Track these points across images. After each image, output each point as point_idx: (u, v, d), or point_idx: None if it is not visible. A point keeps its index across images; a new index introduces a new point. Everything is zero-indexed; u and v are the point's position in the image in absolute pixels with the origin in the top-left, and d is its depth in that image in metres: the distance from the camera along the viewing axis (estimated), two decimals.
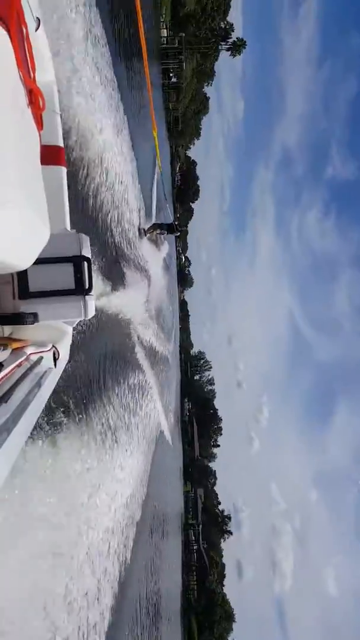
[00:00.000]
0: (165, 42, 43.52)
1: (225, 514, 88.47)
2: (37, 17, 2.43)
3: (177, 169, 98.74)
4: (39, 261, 2.28)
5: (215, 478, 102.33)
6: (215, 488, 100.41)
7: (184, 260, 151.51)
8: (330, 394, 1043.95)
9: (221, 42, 57.13)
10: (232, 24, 56.74)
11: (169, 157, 65.36)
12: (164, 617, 24.90)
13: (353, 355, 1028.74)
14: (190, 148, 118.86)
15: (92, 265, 3.34)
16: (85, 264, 3.16)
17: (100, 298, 9.52)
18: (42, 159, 2.28)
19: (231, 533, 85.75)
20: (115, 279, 11.29)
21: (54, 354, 3.13)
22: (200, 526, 63.78)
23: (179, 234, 21.08)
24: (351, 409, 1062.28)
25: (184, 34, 44.71)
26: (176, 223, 20.03)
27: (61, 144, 3.55)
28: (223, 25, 56.63)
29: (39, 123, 2.28)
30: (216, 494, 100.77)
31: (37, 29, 2.47)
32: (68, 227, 3.57)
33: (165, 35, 43.24)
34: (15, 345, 2.56)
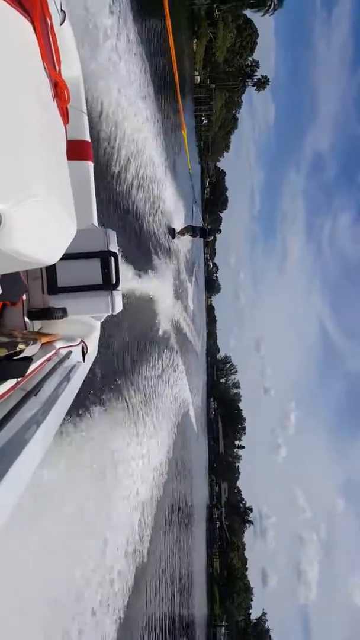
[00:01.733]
0: (198, 85, 51.97)
1: (247, 505, 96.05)
2: (62, 11, 2.46)
3: (207, 183, 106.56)
4: (67, 256, 2.28)
5: (239, 473, 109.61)
6: (238, 484, 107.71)
7: (211, 266, 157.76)
8: None
9: (247, 80, 65.52)
10: (258, 62, 65.10)
11: (199, 175, 73.07)
12: (192, 583, 27.91)
13: None
14: (219, 160, 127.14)
15: (121, 259, 3.53)
16: (112, 259, 3.29)
17: (131, 286, 10.42)
18: (68, 154, 2.30)
19: (252, 523, 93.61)
20: (145, 268, 12.10)
21: (82, 348, 3.19)
22: (223, 508, 71.77)
23: (210, 239, 22.29)
24: None
25: (214, 86, 53.00)
26: (209, 227, 20.38)
27: (88, 139, 3.64)
28: (250, 63, 65.00)
29: (65, 117, 2.29)
30: (239, 490, 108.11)
31: (62, 22, 2.51)
32: (95, 222, 3.69)
33: (198, 81, 51.64)
34: (44, 339, 2.60)
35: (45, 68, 1.69)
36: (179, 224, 19.80)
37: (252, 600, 74.31)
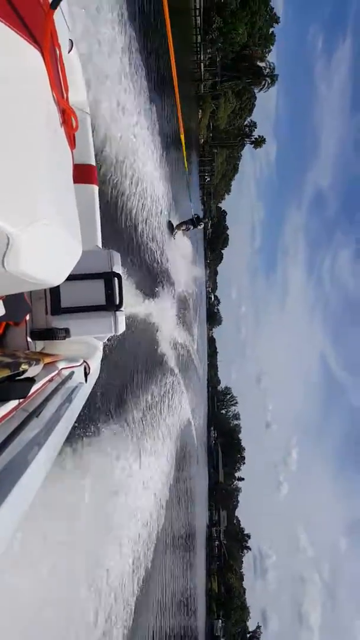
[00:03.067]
0: (202, 145, 60.31)
1: (245, 532, 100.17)
2: (70, 40, 2.57)
3: (209, 225, 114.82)
4: (71, 277, 2.33)
5: (238, 502, 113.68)
6: (237, 513, 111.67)
7: (213, 299, 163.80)
8: None
9: (246, 139, 74.43)
10: (255, 122, 74.23)
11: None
12: (190, 600, 30.19)
13: None
14: (221, 202, 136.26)
15: (123, 280, 3.56)
16: (116, 280, 3.38)
17: (134, 307, 10.76)
18: (74, 178, 2.38)
19: (249, 549, 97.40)
20: (147, 291, 12.45)
21: (85, 368, 3.25)
22: (221, 527, 76.54)
23: (202, 225, 26.34)
24: None
25: (216, 151, 61.67)
26: (196, 216, 21.53)
27: (93, 163, 3.79)
28: (248, 123, 74.10)
29: (72, 142, 2.38)
30: (238, 519, 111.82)
31: (70, 50, 2.63)
32: (99, 244, 3.84)
33: (202, 142, 60.04)
34: (47, 360, 2.66)
35: (53, 96, 1.77)
36: (175, 221, 20.78)
37: (249, 619, 78.79)
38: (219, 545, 73.62)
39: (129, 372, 11.08)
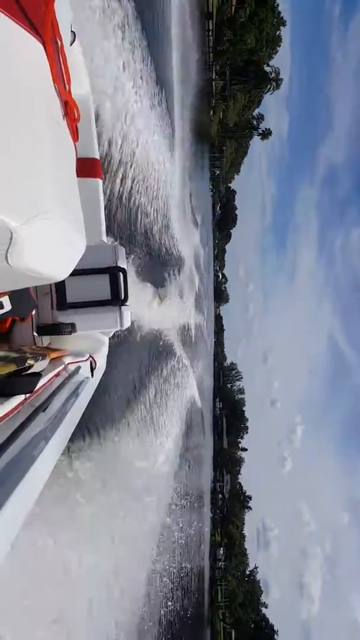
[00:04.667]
0: (212, 140, 67.66)
1: (247, 494, 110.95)
2: (72, 32, 2.57)
3: (218, 207, 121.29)
4: (76, 272, 2.36)
5: (240, 467, 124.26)
6: (239, 480, 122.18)
7: (221, 277, 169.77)
8: None
9: (253, 131, 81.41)
10: (263, 115, 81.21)
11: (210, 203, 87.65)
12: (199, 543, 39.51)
13: None
14: (230, 182, 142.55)
15: (129, 274, 3.62)
16: (121, 274, 3.45)
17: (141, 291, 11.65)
18: (78, 171, 2.40)
19: (250, 508, 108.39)
20: (155, 280, 13.59)
21: (91, 363, 3.33)
22: (225, 485, 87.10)
23: None
24: None
25: (225, 147, 69.14)
26: None
27: (97, 156, 3.83)
28: (256, 115, 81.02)
29: (75, 135, 2.39)
30: (240, 484, 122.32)
31: (72, 42, 2.61)
32: (104, 238, 3.91)
33: (213, 135, 67.27)
34: (53, 355, 2.71)
35: (55, 88, 1.78)
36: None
37: (247, 564, 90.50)
38: (222, 498, 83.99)
39: (141, 355, 12.38)
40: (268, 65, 64.79)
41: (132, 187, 11.67)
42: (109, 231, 7.81)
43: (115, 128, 10.21)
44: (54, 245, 1.64)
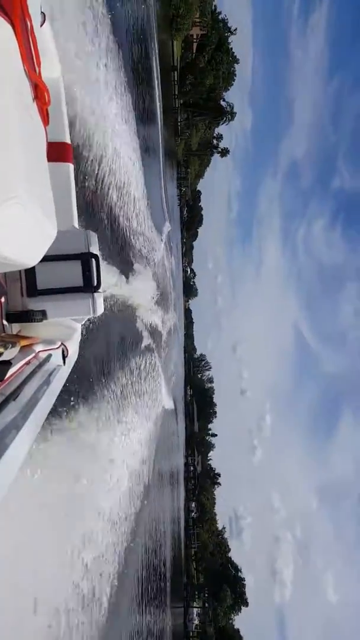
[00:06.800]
0: (178, 162, 79.89)
1: (216, 472, 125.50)
2: (42, 13, 2.53)
3: (185, 210, 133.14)
4: (47, 259, 2.37)
5: (211, 449, 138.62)
6: (209, 457, 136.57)
7: (189, 272, 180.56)
8: (335, 406, 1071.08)
9: (214, 149, 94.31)
10: (222, 135, 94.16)
11: (178, 208, 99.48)
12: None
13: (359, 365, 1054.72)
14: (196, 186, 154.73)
15: (101, 260, 3.57)
16: (94, 260, 3.38)
17: (111, 288, 11.74)
18: (48, 156, 2.37)
19: (220, 484, 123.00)
20: (124, 269, 13.91)
21: (62, 351, 3.32)
22: (197, 461, 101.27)
23: None
24: (355, 421, 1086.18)
25: (189, 170, 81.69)
26: None
27: (68, 141, 3.77)
28: (216, 135, 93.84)
29: (45, 119, 2.37)
30: (210, 464, 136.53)
31: (42, 24, 2.57)
32: (76, 224, 3.83)
33: (178, 157, 79.58)
34: (24, 342, 2.68)
35: (25, 70, 1.75)
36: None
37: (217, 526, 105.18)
38: (194, 470, 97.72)
39: (111, 342, 12.58)
40: (224, 100, 78.05)
41: (117, 199, 13.29)
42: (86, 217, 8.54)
43: (105, 148, 11.47)
44: (23, 231, 1.67)
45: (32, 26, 1.96)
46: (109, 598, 10.92)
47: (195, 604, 66.83)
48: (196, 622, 63.87)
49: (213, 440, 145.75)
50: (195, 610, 65.13)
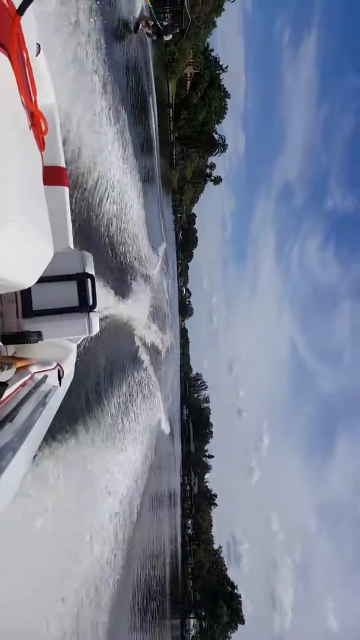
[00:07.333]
0: (173, 189, 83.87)
1: (213, 493, 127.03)
2: (37, 43, 2.66)
3: (180, 234, 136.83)
4: (43, 279, 2.40)
5: (207, 470, 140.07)
6: (205, 477, 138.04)
7: (184, 291, 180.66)
8: (332, 425, 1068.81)
9: (207, 178, 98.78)
10: (214, 164, 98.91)
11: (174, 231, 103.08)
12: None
13: (356, 385, 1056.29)
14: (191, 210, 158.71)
15: (97, 281, 3.64)
16: (89, 281, 3.44)
17: (109, 305, 11.86)
18: (44, 180, 2.46)
19: (216, 505, 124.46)
20: (121, 290, 14.15)
21: (58, 371, 3.33)
22: (192, 478, 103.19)
23: (170, 37, 23.77)
24: (353, 441, 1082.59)
25: (183, 198, 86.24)
26: (165, 23, 19.75)
27: (63, 165, 3.89)
28: (209, 164, 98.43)
29: (41, 145, 2.48)
30: (207, 486, 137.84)
31: (37, 53, 2.72)
32: (71, 245, 3.93)
33: (174, 185, 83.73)
34: (19, 364, 2.69)
35: (22, 100, 1.83)
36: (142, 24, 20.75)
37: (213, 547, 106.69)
38: (190, 490, 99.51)
39: (107, 363, 12.66)
40: (216, 132, 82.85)
41: (116, 225, 13.86)
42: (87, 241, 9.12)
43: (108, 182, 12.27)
44: (21, 253, 1.71)
45: (28, 57, 2.09)
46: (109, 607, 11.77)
47: (192, 616, 68.75)
48: (193, 632, 65.63)
49: (210, 461, 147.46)
50: (192, 621, 66.65)
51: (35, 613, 6.52)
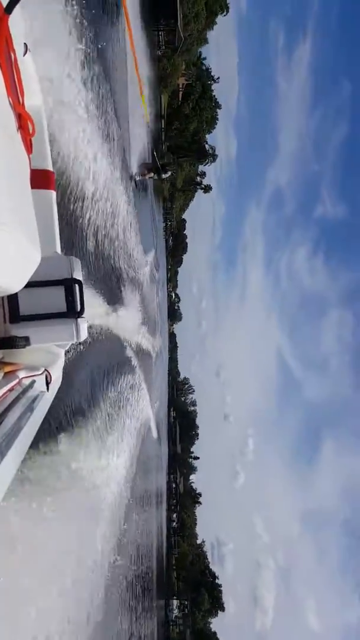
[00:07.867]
0: (164, 197, 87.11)
1: (198, 492, 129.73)
2: (24, 43, 2.67)
3: (170, 240, 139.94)
4: (30, 284, 2.41)
5: (193, 471, 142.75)
6: (191, 477, 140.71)
7: (174, 297, 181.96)
8: (317, 432, 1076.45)
9: (197, 186, 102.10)
10: (205, 172, 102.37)
11: (164, 237, 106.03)
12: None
13: (341, 393, 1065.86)
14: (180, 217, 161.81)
15: (85, 287, 3.63)
16: (77, 286, 3.42)
17: (96, 311, 11.93)
18: (32, 183, 2.45)
19: (200, 503, 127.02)
20: (110, 295, 14.18)
21: (46, 377, 3.35)
22: (178, 475, 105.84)
23: (168, 174, 25.41)
24: (337, 448, 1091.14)
25: (174, 206, 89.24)
26: (161, 163, 19.99)
27: (51, 168, 3.87)
28: (199, 173, 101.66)
29: (29, 147, 2.48)
30: (192, 485, 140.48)
31: (25, 54, 2.73)
32: (59, 250, 3.89)
33: (165, 194, 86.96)
34: (6, 369, 2.69)
35: (9, 101, 1.82)
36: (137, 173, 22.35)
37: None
38: (176, 488, 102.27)
39: (95, 367, 12.71)
40: (207, 142, 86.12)
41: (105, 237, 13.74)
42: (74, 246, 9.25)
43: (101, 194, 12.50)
44: (7, 257, 1.69)
45: (15, 58, 2.08)
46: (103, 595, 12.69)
47: (175, 597, 73.13)
48: (176, 612, 69.58)
49: (195, 463, 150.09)
50: (175, 602, 70.41)
51: (27, 602, 6.72)
